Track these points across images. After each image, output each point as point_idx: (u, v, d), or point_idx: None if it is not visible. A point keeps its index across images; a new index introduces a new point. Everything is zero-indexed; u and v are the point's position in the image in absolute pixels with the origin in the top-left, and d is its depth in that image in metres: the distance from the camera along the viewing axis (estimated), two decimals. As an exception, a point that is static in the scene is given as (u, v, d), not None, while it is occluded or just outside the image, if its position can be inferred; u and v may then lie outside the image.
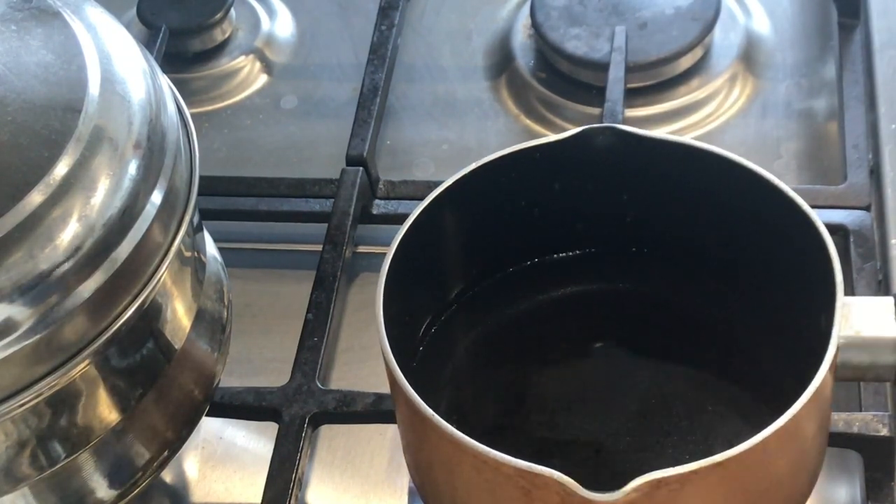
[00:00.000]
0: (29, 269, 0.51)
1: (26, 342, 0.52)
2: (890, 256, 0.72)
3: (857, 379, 0.63)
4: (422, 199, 0.62)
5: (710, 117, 0.84)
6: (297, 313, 0.73)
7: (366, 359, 0.74)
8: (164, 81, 0.61)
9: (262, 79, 0.90)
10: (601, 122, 0.72)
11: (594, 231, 0.67)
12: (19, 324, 0.51)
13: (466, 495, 0.57)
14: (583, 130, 0.63)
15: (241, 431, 0.73)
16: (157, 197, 0.56)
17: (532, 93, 0.86)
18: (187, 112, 0.62)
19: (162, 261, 0.57)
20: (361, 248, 0.79)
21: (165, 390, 0.61)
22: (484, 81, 0.88)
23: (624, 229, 0.67)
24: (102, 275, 0.53)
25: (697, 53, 0.85)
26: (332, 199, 0.78)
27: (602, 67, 0.82)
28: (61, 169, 0.53)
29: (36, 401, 0.54)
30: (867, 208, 0.74)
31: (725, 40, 0.87)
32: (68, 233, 0.52)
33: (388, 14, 0.88)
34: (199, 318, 0.63)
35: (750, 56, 0.86)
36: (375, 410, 0.68)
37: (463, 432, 0.54)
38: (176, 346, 0.61)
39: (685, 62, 0.85)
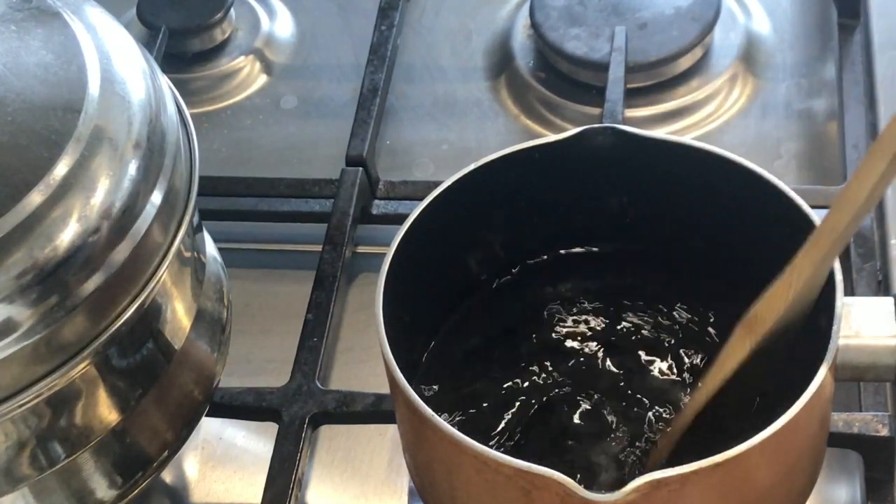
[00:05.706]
0: (29, 269, 0.51)
1: (26, 342, 0.52)
2: (890, 256, 0.72)
3: (857, 379, 0.63)
4: (422, 199, 0.62)
5: (710, 117, 0.84)
6: (297, 313, 0.73)
7: (366, 359, 0.74)
8: (164, 81, 0.61)
9: (262, 79, 0.90)
10: (601, 122, 0.72)
11: (594, 231, 0.67)
12: (19, 324, 0.51)
13: (466, 495, 0.57)
14: (583, 130, 0.63)
15: (241, 431, 0.73)
16: (157, 197, 0.56)
17: (532, 93, 0.86)
18: (187, 112, 0.62)
19: (162, 261, 0.57)
20: (361, 248, 0.79)
21: (165, 390, 0.61)
22: (484, 81, 0.88)
23: (624, 229, 0.66)
24: (102, 275, 0.53)
25: (697, 53, 0.85)
26: (332, 200, 0.78)
27: (602, 67, 0.82)
28: (61, 169, 0.53)
29: (36, 401, 0.54)
30: (867, 208, 0.74)
31: (725, 40, 0.87)
32: (68, 233, 0.52)
33: (387, 14, 0.88)
34: (199, 318, 0.63)
35: (750, 56, 0.86)
36: (375, 410, 0.68)
37: (463, 432, 0.54)
38: (176, 347, 0.61)
39: (685, 62, 0.85)
